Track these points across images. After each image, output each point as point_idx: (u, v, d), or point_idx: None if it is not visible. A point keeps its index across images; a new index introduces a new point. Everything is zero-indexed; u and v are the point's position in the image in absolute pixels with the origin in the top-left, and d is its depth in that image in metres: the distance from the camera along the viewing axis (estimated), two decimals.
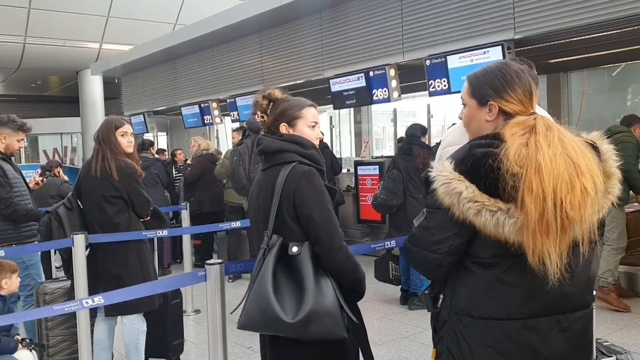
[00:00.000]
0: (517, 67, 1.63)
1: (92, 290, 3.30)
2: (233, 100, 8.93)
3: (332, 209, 2.07)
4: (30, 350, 3.50)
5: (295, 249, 1.99)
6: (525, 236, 1.41)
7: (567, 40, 5.60)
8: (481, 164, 1.45)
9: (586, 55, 6.71)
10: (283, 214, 2.04)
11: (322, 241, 2.01)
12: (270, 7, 7.28)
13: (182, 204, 5.83)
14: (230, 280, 6.63)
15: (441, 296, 1.63)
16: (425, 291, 1.74)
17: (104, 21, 12.75)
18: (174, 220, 7.50)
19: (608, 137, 1.62)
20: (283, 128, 2.17)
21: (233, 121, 9.16)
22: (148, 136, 11.40)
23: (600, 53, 6.54)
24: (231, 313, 2.33)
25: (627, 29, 5.16)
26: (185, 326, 4.34)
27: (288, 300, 1.95)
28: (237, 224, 4.58)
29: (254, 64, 8.50)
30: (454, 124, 3.21)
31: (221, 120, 9.87)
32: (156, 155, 7.96)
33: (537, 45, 5.72)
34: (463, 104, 1.72)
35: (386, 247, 3.03)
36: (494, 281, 1.51)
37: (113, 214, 3.43)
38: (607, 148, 1.58)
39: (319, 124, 2.30)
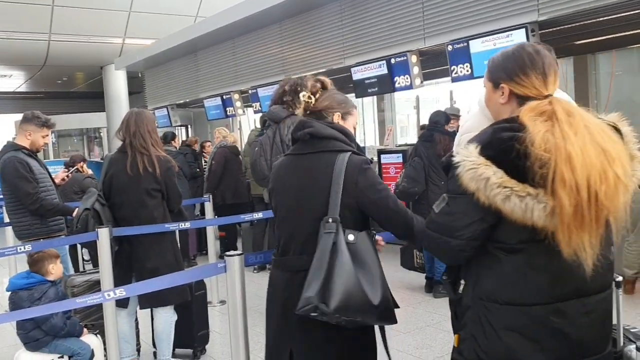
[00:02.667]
0: (531, 50, 1.60)
1: (124, 283, 3.35)
2: (255, 91, 8.93)
3: (388, 188, 2.14)
4: (96, 335, 3.60)
5: (351, 237, 2.00)
6: (560, 230, 1.40)
7: (594, 20, 5.44)
8: (509, 148, 1.42)
9: (614, 35, 6.51)
10: (340, 200, 2.05)
11: (389, 217, 2.09)
12: None
13: (205, 196, 5.87)
14: (255, 271, 6.68)
15: (462, 282, 1.62)
16: (443, 277, 1.73)
17: (126, 16, 12.85)
18: (199, 213, 7.57)
19: None
20: (337, 117, 2.22)
21: (255, 112, 9.17)
22: (172, 129, 11.49)
23: (629, 33, 6.33)
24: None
25: None
26: (211, 317, 4.38)
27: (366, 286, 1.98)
28: (259, 215, 4.59)
29: (274, 54, 8.47)
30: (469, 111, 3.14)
31: (244, 111, 9.89)
32: (176, 147, 8.02)
33: (562, 27, 5.57)
34: (484, 86, 1.72)
35: None
36: (522, 266, 1.49)
37: (153, 208, 3.49)
38: (628, 130, 1.56)
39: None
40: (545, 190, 1.39)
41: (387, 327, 2.20)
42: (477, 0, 5.60)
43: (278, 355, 2.21)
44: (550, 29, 5.48)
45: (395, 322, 2.06)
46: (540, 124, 1.43)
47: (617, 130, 1.54)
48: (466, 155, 1.46)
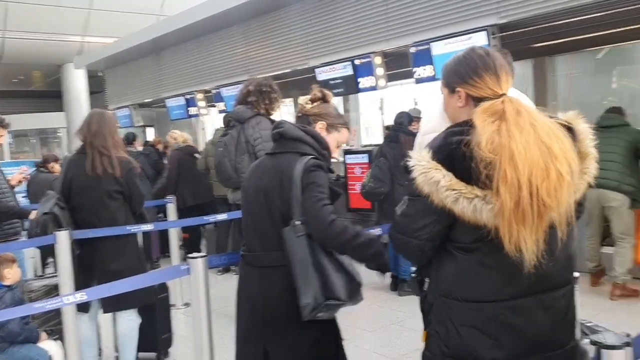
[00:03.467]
0: (482, 52, 1.63)
1: (85, 287, 3.26)
2: (218, 90, 8.86)
3: (328, 198, 2.09)
4: (56, 341, 3.50)
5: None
6: (501, 225, 1.43)
7: (552, 23, 5.59)
8: (456, 152, 1.47)
9: (572, 39, 6.69)
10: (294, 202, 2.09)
11: (313, 219, 2.03)
12: None
13: (168, 197, 5.78)
14: (219, 273, 6.62)
15: (427, 280, 1.66)
16: (412, 274, 1.77)
17: (86, 14, 12.58)
18: (161, 214, 7.45)
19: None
20: (320, 126, 2.27)
21: (219, 112, 9.10)
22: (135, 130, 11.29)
23: (585, 36, 6.53)
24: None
25: (612, 11, 5.16)
26: (174, 320, 4.32)
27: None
28: (223, 216, 4.55)
29: (239, 54, 8.43)
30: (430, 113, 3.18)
31: (207, 111, 9.79)
32: (139, 149, 7.88)
33: (522, 30, 5.70)
34: (441, 92, 1.75)
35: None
36: (476, 265, 1.53)
37: (115, 210, 3.42)
38: (583, 128, 1.59)
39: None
40: (492, 191, 1.43)
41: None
42: (439, 3, 5.69)
43: (249, 351, 2.20)
44: (510, 32, 5.60)
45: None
46: (488, 125, 1.46)
47: (571, 129, 1.57)
48: (418, 160, 1.50)
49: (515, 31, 5.65)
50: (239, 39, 8.39)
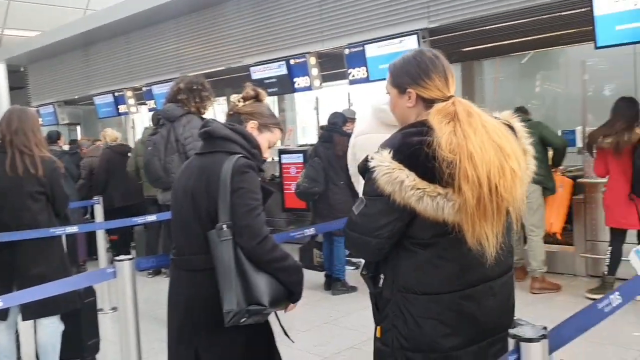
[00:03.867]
0: (431, 54, 1.69)
1: (3, 294, 3.09)
2: (149, 88, 8.62)
3: (261, 205, 2.05)
4: None
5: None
6: (464, 221, 1.51)
7: (479, 29, 5.80)
8: (418, 152, 1.52)
9: (497, 44, 6.98)
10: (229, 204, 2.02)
11: (245, 230, 1.98)
12: None
13: (95, 198, 5.58)
14: (149, 276, 6.45)
15: (382, 276, 1.70)
16: (363, 272, 1.80)
17: (5, 5, 11.93)
18: (88, 215, 7.17)
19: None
20: (251, 125, 2.20)
21: (150, 110, 8.86)
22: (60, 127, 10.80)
23: (510, 41, 6.82)
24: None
25: (534, 18, 5.41)
26: (102, 324, 4.17)
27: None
28: (152, 218, 4.43)
29: (170, 51, 8.24)
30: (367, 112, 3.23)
31: (137, 109, 9.51)
32: (64, 148, 7.55)
33: (451, 34, 5.88)
34: (388, 93, 1.77)
35: (305, 234, 3.03)
36: (434, 258, 1.60)
37: (37, 212, 3.26)
38: (519, 126, 1.71)
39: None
40: (454, 189, 1.49)
41: (286, 327, 2.21)
42: (372, 6, 5.78)
43: (181, 355, 2.15)
44: (440, 36, 5.77)
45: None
46: (445, 126, 1.53)
47: (511, 127, 1.67)
48: (381, 161, 1.54)
49: (444, 35, 5.82)
50: (171, 35, 8.21)
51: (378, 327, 1.74)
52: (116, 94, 9.33)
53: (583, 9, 4.75)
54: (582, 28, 5.42)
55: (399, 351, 1.65)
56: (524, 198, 1.60)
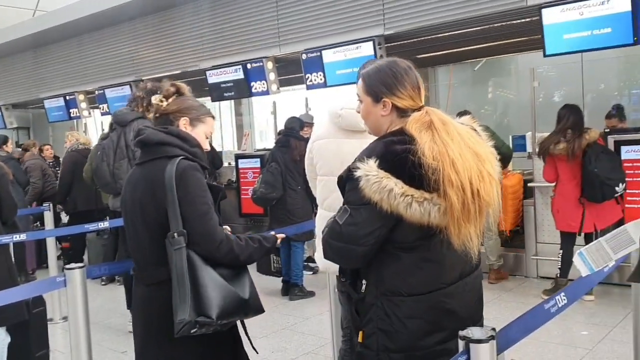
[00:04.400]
0: (405, 65, 1.75)
1: None
2: (102, 91, 8.43)
3: (212, 207, 2.02)
4: None
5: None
6: (450, 224, 1.58)
7: (433, 36, 5.92)
8: (404, 160, 1.57)
9: (451, 51, 7.14)
10: (179, 211, 1.96)
11: (201, 237, 1.96)
12: None
13: (45, 204, 5.41)
14: (103, 283, 6.30)
15: (364, 282, 1.73)
16: (342, 280, 1.84)
17: None
18: (38, 222, 6.95)
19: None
20: (184, 122, 2.13)
21: (103, 114, 8.66)
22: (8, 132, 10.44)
23: (463, 49, 6.98)
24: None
25: (485, 27, 5.56)
26: (52, 335, 4.04)
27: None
28: (105, 224, 4.33)
29: (125, 54, 8.09)
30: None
31: (90, 113, 9.29)
32: (8, 152, 7.28)
33: (406, 41, 5.98)
34: (359, 100, 1.80)
35: None
36: (418, 261, 1.66)
37: None
38: (481, 130, 1.78)
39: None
40: (438, 193, 1.56)
41: (242, 334, 2.19)
42: (329, 12, 5.82)
43: None
44: (396, 43, 5.86)
45: (263, 310, 2.10)
46: (424, 134, 1.59)
47: (475, 132, 1.75)
48: (368, 170, 1.57)
49: (399, 42, 5.91)
50: (126, 38, 8.05)
51: (360, 332, 1.76)
52: (67, 97, 9.08)
53: (533, 18, 4.91)
54: (532, 36, 5.60)
55: (383, 353, 1.69)
56: (499, 199, 1.69)
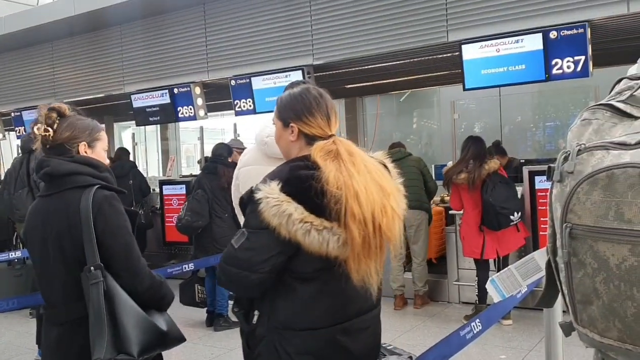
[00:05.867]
0: (316, 93, 1.74)
1: None
2: (19, 113, 8.04)
3: (134, 239, 1.95)
4: None
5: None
6: (350, 259, 1.53)
7: (361, 67, 6.07)
8: (308, 186, 1.52)
9: (378, 82, 7.35)
10: (95, 243, 1.87)
11: (125, 271, 1.89)
12: (64, 15, 6.73)
13: None
14: (31, 317, 5.90)
15: (256, 313, 1.67)
16: (235, 309, 1.74)
17: None
18: None
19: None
20: (83, 147, 2.01)
21: (18, 137, 8.24)
22: None
23: (390, 80, 7.21)
24: None
25: (410, 60, 5.77)
26: None
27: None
28: (17, 254, 4.07)
29: (44, 75, 7.77)
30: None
31: (4, 135, 8.81)
32: None
33: (334, 71, 6.10)
34: (274, 124, 1.80)
35: (184, 270, 2.93)
36: (315, 293, 1.60)
37: None
38: (392, 166, 1.78)
39: None
40: (339, 224, 1.52)
41: None
42: (259, 40, 5.86)
43: None
44: (325, 72, 5.96)
45: (184, 338, 2.05)
46: (330, 163, 1.56)
47: (385, 166, 1.74)
48: (269, 192, 1.52)
49: (328, 72, 6.02)
50: (46, 59, 7.74)
51: None
52: None
53: (454, 53, 5.14)
54: (453, 71, 5.86)
55: None
56: (401, 235, 1.68)
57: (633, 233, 0.82)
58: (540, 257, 1.70)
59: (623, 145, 0.87)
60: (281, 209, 1.50)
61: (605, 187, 0.86)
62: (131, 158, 7.89)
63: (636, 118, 0.93)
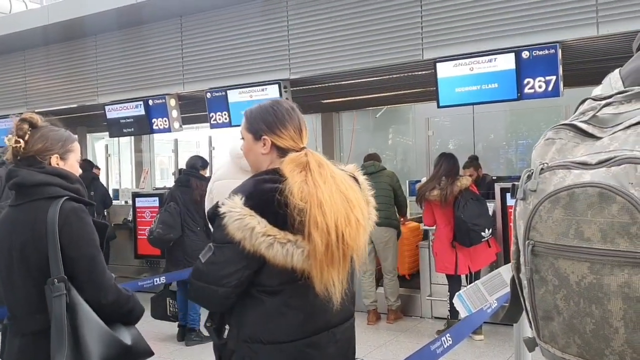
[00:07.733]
0: (288, 106, 1.76)
1: None
2: None
3: (100, 252, 1.93)
4: None
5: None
6: (313, 267, 1.54)
7: (337, 83, 6.11)
8: (270, 199, 1.53)
9: (355, 98, 7.41)
10: (60, 255, 1.84)
11: (89, 283, 1.87)
12: (36, 24, 6.65)
13: None
14: None
15: (227, 327, 1.66)
16: (207, 324, 1.74)
17: None
18: None
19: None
20: (55, 159, 1.98)
21: None
22: None
23: (366, 96, 7.27)
24: None
25: (385, 77, 5.83)
26: None
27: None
28: None
29: (17, 84, 7.64)
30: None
31: None
32: None
33: (311, 86, 6.12)
34: (242, 137, 1.79)
35: (155, 283, 2.89)
36: (281, 306, 1.60)
37: None
38: (363, 179, 1.80)
39: None
40: (303, 236, 1.53)
41: None
42: (235, 53, 5.86)
43: None
44: (301, 87, 5.98)
45: (152, 351, 2.02)
46: (297, 174, 1.58)
47: (355, 179, 1.76)
48: (232, 207, 1.53)
49: (305, 87, 6.04)
50: (17, 68, 7.62)
51: None
52: None
53: (428, 71, 5.21)
54: (428, 88, 5.93)
55: None
56: (366, 246, 1.69)
57: (591, 251, 0.84)
58: (505, 272, 1.72)
59: (584, 165, 0.89)
60: (243, 223, 1.51)
61: (566, 206, 0.88)
62: (103, 170, 7.80)
63: (598, 138, 0.95)
